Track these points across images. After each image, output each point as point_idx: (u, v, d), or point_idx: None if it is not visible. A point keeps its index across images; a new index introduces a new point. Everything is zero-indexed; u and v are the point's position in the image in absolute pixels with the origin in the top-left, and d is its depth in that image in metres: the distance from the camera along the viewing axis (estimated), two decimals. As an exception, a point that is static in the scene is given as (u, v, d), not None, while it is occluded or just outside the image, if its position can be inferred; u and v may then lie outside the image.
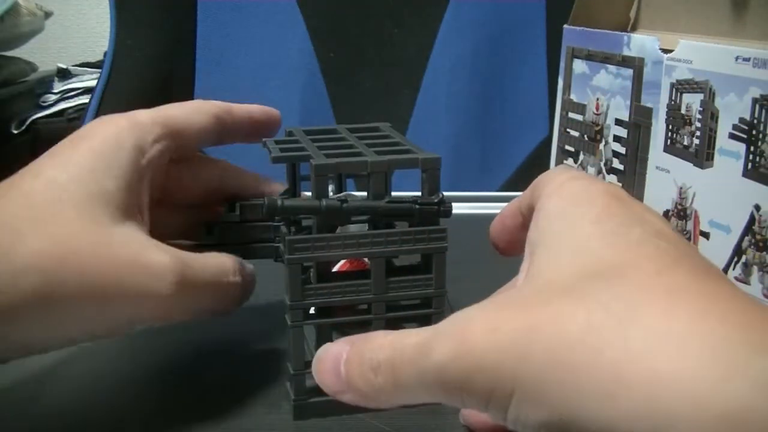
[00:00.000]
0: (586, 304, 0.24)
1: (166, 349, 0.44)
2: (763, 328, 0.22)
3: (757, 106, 0.42)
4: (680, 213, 0.49)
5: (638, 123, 0.54)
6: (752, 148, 0.43)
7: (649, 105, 0.53)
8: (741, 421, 0.19)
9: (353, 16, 0.99)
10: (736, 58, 0.44)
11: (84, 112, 0.94)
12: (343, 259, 0.38)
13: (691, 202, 0.48)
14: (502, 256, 0.37)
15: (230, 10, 0.97)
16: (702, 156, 0.47)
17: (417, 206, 0.36)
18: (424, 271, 0.38)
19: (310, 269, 0.37)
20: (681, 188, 0.49)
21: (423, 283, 0.37)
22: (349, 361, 0.28)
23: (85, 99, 1.40)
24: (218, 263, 0.37)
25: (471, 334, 0.25)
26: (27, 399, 0.39)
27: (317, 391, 0.34)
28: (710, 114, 0.46)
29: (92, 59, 1.61)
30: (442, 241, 0.37)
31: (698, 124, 0.48)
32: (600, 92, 0.58)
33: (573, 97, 0.62)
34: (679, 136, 0.50)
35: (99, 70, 0.99)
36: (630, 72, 0.54)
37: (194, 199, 0.43)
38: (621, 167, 0.56)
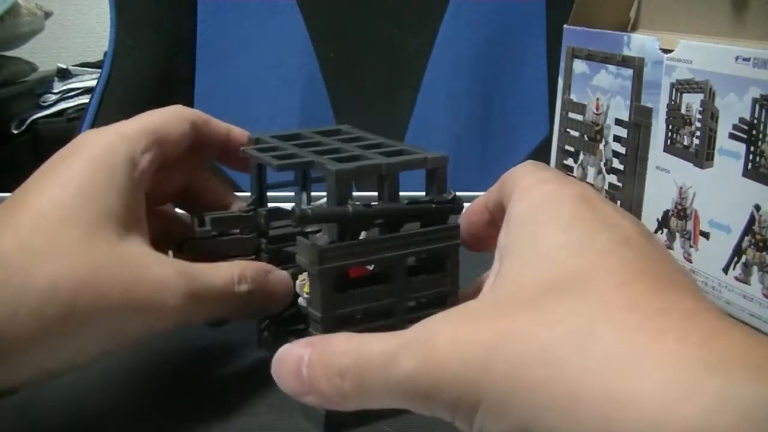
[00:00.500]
0: (546, 320, 0.24)
1: (168, 349, 0.44)
2: (721, 347, 0.22)
3: (757, 106, 0.42)
4: (680, 213, 0.49)
5: (638, 123, 0.54)
6: (752, 148, 0.43)
7: (649, 105, 0.53)
8: None
9: (353, 16, 0.99)
10: (736, 58, 0.44)
11: (84, 112, 0.94)
12: (370, 264, 0.37)
13: (691, 202, 0.48)
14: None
15: (230, 10, 0.97)
16: (702, 156, 0.47)
17: (434, 205, 0.37)
18: (435, 269, 0.38)
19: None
20: (681, 188, 0.49)
21: (440, 281, 0.37)
22: (312, 364, 0.28)
23: (85, 99, 1.40)
24: (223, 273, 0.37)
25: (436, 345, 0.25)
26: (27, 399, 0.39)
27: None
28: (710, 114, 0.46)
29: (92, 59, 1.61)
30: (456, 238, 0.37)
31: (698, 124, 0.48)
32: (600, 92, 0.58)
33: (573, 97, 0.62)
34: (679, 136, 0.50)
35: (99, 70, 0.99)
36: (630, 72, 0.54)
37: (161, 202, 0.42)
38: (621, 167, 0.56)
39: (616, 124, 0.56)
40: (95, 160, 0.35)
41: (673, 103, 0.50)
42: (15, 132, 1.41)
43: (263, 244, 0.41)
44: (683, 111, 0.49)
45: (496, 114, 0.99)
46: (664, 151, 0.51)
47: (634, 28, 0.62)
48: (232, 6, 0.97)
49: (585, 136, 0.60)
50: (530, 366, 0.23)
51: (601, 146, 0.58)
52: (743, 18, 0.51)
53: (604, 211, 0.28)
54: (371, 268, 0.38)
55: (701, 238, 0.47)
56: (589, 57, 0.60)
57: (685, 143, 0.49)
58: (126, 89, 0.94)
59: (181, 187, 0.42)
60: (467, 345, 0.25)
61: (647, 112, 0.53)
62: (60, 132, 1.34)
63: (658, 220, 0.52)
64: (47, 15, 1.58)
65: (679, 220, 0.49)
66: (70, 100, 1.46)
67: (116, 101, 0.94)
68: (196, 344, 0.44)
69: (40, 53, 1.67)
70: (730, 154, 0.45)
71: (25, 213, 0.33)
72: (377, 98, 0.99)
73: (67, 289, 0.31)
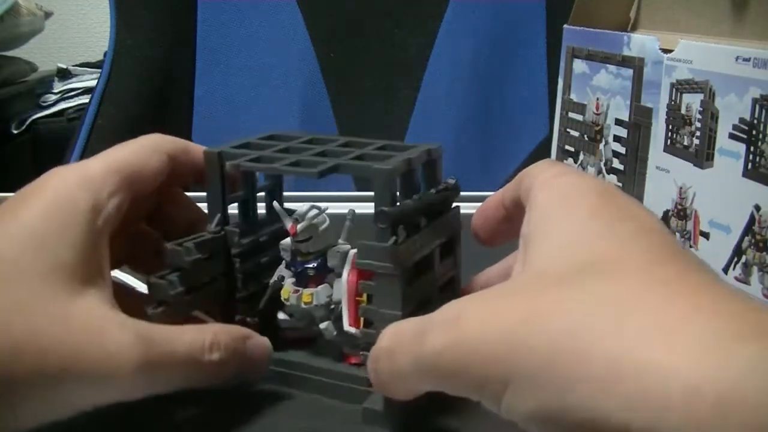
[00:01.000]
0: (581, 296, 0.24)
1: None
2: (753, 319, 0.22)
3: (757, 107, 0.42)
4: (680, 213, 0.49)
5: (638, 123, 0.54)
6: (752, 149, 0.43)
7: (649, 105, 0.53)
8: (733, 406, 0.20)
9: (353, 16, 0.99)
10: (737, 59, 0.44)
11: (84, 112, 0.94)
12: (430, 254, 0.37)
13: (691, 202, 0.48)
14: (501, 254, 0.37)
15: (230, 10, 0.97)
16: (702, 156, 0.47)
17: (449, 192, 0.37)
18: (446, 254, 0.38)
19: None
20: (681, 188, 0.49)
21: (451, 265, 0.38)
22: (371, 354, 0.30)
23: (85, 99, 1.40)
24: (193, 339, 0.33)
25: (466, 324, 0.26)
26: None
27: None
28: (710, 114, 0.46)
29: (92, 59, 1.61)
30: (459, 223, 0.38)
31: (698, 124, 0.48)
32: (600, 92, 0.58)
33: (573, 96, 0.62)
34: (679, 136, 0.50)
35: (99, 70, 0.99)
36: (630, 72, 0.54)
37: (132, 224, 0.40)
38: (621, 167, 0.56)
39: (616, 124, 0.56)
40: (52, 208, 0.32)
41: (673, 103, 0.50)
42: (15, 132, 1.41)
43: (237, 263, 0.38)
44: (683, 111, 0.49)
45: (496, 114, 0.99)
46: (664, 151, 0.51)
47: (634, 28, 0.62)
48: (232, 6, 0.97)
49: (585, 136, 0.60)
50: (566, 340, 0.23)
51: (601, 146, 0.58)
52: (743, 18, 0.51)
53: (625, 202, 0.29)
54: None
55: (701, 238, 0.47)
56: (589, 57, 0.60)
57: (685, 143, 0.49)
58: (126, 89, 0.94)
59: (153, 208, 0.40)
60: (499, 321, 0.25)
61: (647, 112, 0.53)
62: (60, 132, 1.34)
63: (658, 220, 0.52)
64: (47, 15, 1.58)
65: (679, 220, 0.49)
66: (70, 100, 1.46)
67: (116, 101, 0.94)
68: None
69: (40, 53, 1.66)
70: (730, 154, 0.45)
71: None
72: (377, 98, 0.99)
73: (1, 354, 0.29)
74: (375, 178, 0.34)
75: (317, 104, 0.98)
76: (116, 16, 0.94)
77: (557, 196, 0.29)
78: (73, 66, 1.54)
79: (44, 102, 1.46)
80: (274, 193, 0.41)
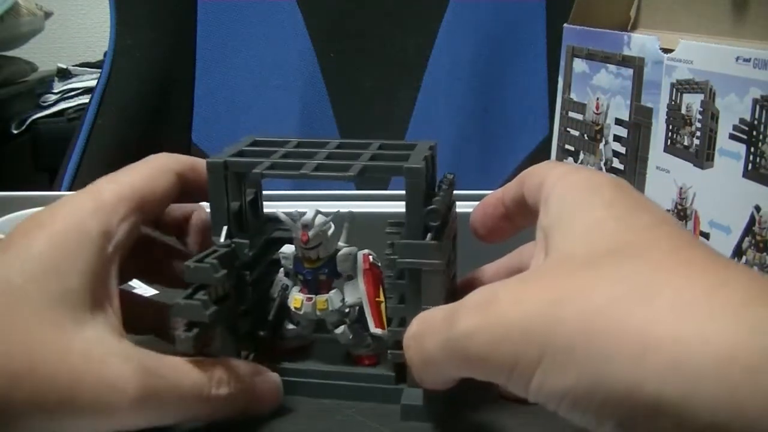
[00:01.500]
0: (610, 276, 0.25)
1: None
2: None
3: (758, 107, 0.42)
4: (680, 213, 0.49)
5: (638, 123, 0.54)
6: (752, 149, 0.43)
7: (649, 105, 0.53)
8: (765, 372, 0.21)
9: (353, 16, 0.99)
10: (737, 59, 0.44)
11: (84, 112, 0.94)
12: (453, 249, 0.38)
13: (692, 203, 0.48)
14: (501, 253, 0.38)
15: (230, 10, 0.97)
16: (702, 156, 0.47)
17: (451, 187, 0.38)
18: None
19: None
20: (681, 188, 0.49)
21: (453, 260, 0.39)
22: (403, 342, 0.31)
23: (85, 99, 1.40)
24: (195, 374, 0.33)
25: (497, 305, 0.26)
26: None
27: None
28: (710, 114, 0.46)
29: (92, 59, 1.61)
30: (456, 217, 0.39)
31: (698, 125, 0.47)
32: (600, 91, 0.58)
33: (573, 96, 0.62)
34: (679, 136, 0.50)
35: (99, 70, 0.99)
36: (630, 72, 0.54)
37: (144, 236, 0.39)
38: (621, 167, 0.56)
39: (616, 123, 0.56)
40: (62, 235, 0.32)
41: (673, 103, 0.50)
42: (15, 132, 1.40)
43: (246, 276, 0.37)
44: (683, 111, 0.49)
45: (496, 114, 0.99)
46: (664, 151, 0.51)
47: (634, 27, 0.62)
48: (232, 6, 0.97)
49: (585, 135, 0.60)
50: (599, 316, 0.24)
51: (601, 146, 0.58)
52: (744, 17, 0.50)
53: (638, 194, 0.30)
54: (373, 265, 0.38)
55: (701, 239, 0.47)
56: (589, 56, 0.60)
57: (686, 143, 0.49)
58: (126, 89, 0.94)
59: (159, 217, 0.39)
60: (532, 302, 0.26)
61: (647, 112, 0.53)
62: (60, 132, 1.34)
63: (658, 220, 0.52)
64: (47, 15, 1.58)
65: (680, 220, 0.49)
66: (70, 100, 1.46)
67: (116, 101, 0.94)
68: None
69: (40, 53, 1.66)
70: (730, 154, 0.44)
71: None
72: (377, 98, 0.99)
73: (0, 384, 0.29)
74: (408, 177, 0.34)
75: (317, 104, 0.98)
76: (116, 16, 0.94)
77: (575, 189, 0.30)
78: (73, 66, 1.54)
79: (44, 102, 1.46)
80: (257, 201, 0.39)
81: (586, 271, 0.26)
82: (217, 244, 0.36)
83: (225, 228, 0.36)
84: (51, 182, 0.99)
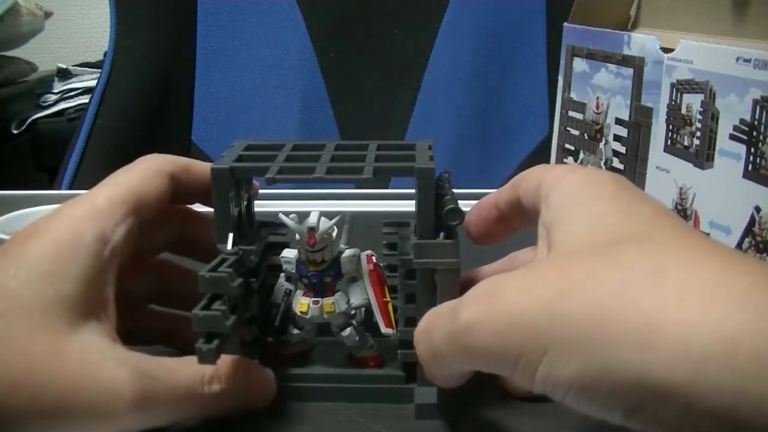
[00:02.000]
0: (616, 264, 0.25)
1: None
2: None
3: (758, 108, 0.42)
4: (680, 213, 0.49)
5: (638, 123, 0.54)
6: (752, 150, 0.43)
7: (649, 105, 0.53)
8: None
9: (353, 16, 0.99)
10: (737, 59, 0.44)
11: (84, 112, 0.94)
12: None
13: (692, 203, 0.48)
14: (502, 253, 0.38)
15: (230, 10, 0.97)
16: (702, 157, 0.47)
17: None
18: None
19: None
20: (681, 188, 0.49)
21: None
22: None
23: (85, 99, 1.40)
24: (191, 371, 0.33)
25: (502, 296, 0.26)
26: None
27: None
28: (711, 114, 0.46)
29: (92, 59, 1.61)
30: None
31: (698, 125, 0.47)
32: (600, 91, 0.58)
33: (573, 95, 0.62)
34: (679, 136, 0.50)
35: (99, 70, 0.99)
36: (630, 71, 0.54)
37: (153, 255, 0.40)
38: (621, 166, 0.56)
39: (616, 123, 0.56)
40: (58, 240, 0.32)
41: (673, 103, 0.50)
42: (15, 132, 1.40)
43: (253, 283, 0.37)
44: (683, 111, 0.49)
45: (496, 114, 0.99)
46: (665, 151, 0.51)
47: (634, 26, 0.62)
48: (232, 6, 0.97)
49: (585, 134, 0.60)
50: (605, 304, 0.24)
51: (601, 145, 0.58)
52: (744, 17, 0.50)
53: (638, 190, 0.31)
54: (375, 265, 0.38)
55: (702, 239, 0.47)
56: (590, 55, 0.59)
57: (686, 143, 0.49)
58: (126, 89, 0.94)
59: (173, 238, 0.39)
60: (537, 292, 0.26)
61: (647, 112, 0.53)
62: (60, 132, 1.34)
63: (658, 220, 0.52)
64: (47, 15, 1.58)
65: (680, 220, 0.49)
66: (70, 100, 1.46)
67: (116, 101, 0.94)
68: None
69: (40, 53, 1.66)
70: (730, 155, 0.44)
71: None
72: (377, 98, 0.99)
73: None
74: (419, 177, 0.34)
75: (317, 104, 0.98)
76: (116, 16, 0.94)
77: (576, 185, 0.31)
78: (73, 66, 1.54)
79: (44, 102, 1.46)
80: (250, 207, 0.39)
81: (591, 260, 0.26)
82: (225, 251, 0.35)
83: (231, 235, 0.36)
84: (51, 182, 0.99)
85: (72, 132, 0.94)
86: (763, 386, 0.21)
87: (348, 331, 0.37)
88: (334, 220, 0.36)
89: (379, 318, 0.37)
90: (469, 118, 0.99)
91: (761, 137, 0.42)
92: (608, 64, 0.57)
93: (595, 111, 0.59)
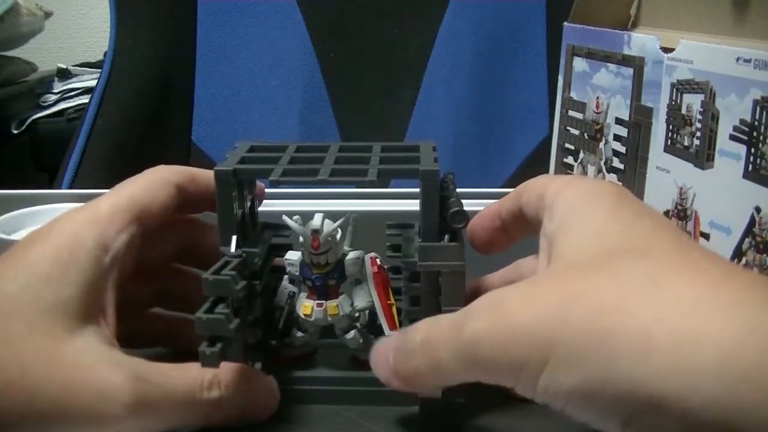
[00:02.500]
0: (616, 277, 0.26)
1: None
2: None
3: (758, 108, 0.42)
4: (680, 213, 0.49)
5: (638, 122, 0.54)
6: (753, 150, 0.43)
7: (649, 105, 0.53)
8: (766, 368, 0.21)
9: (353, 16, 0.99)
10: (737, 59, 0.44)
11: (84, 112, 0.94)
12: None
13: (692, 203, 0.48)
14: (505, 258, 0.39)
15: (230, 10, 0.97)
16: (702, 157, 0.47)
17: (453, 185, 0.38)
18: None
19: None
20: (681, 189, 0.49)
21: None
22: (395, 349, 0.31)
23: (85, 99, 1.40)
24: (190, 377, 0.33)
25: (506, 308, 0.27)
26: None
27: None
28: (711, 115, 0.46)
29: (92, 59, 1.61)
30: None
31: (699, 125, 0.47)
32: (600, 91, 0.58)
33: (573, 95, 0.62)
34: (679, 136, 0.50)
35: (99, 70, 0.99)
36: (630, 71, 0.54)
37: (159, 265, 0.39)
38: (621, 166, 0.56)
39: (616, 123, 0.56)
40: (58, 245, 0.33)
41: (673, 103, 0.50)
42: (15, 132, 1.40)
43: (256, 286, 0.36)
44: (684, 111, 0.49)
45: (496, 113, 0.99)
46: (665, 151, 0.51)
47: (634, 26, 0.62)
48: (232, 6, 0.97)
49: (585, 134, 0.60)
50: (605, 316, 0.24)
51: (602, 145, 0.58)
52: (744, 17, 0.50)
53: (639, 202, 0.31)
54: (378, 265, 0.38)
55: (701, 239, 0.47)
56: (590, 55, 0.59)
57: (686, 144, 0.49)
58: (126, 89, 0.94)
59: (178, 247, 0.39)
60: (540, 304, 0.26)
61: (647, 112, 0.53)
62: (60, 132, 1.34)
63: (658, 220, 0.51)
64: (47, 15, 1.58)
65: (680, 220, 0.49)
66: (70, 100, 1.46)
67: (116, 101, 0.94)
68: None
69: (40, 53, 1.66)
70: (730, 155, 0.44)
71: None
72: (377, 98, 0.99)
73: None
74: (423, 179, 0.34)
75: (317, 104, 0.98)
76: (116, 16, 0.94)
77: (578, 197, 0.31)
78: (73, 66, 1.54)
79: (44, 102, 1.46)
80: (253, 209, 0.39)
81: (593, 272, 0.27)
82: (228, 254, 0.35)
83: (234, 238, 0.35)
84: (51, 182, 0.99)
85: (72, 132, 0.94)
86: (757, 399, 0.21)
87: (352, 333, 0.37)
88: (338, 223, 0.36)
89: (383, 320, 0.36)
90: (469, 118, 0.99)
91: (761, 137, 0.42)
92: (608, 64, 0.57)
93: (595, 111, 0.59)
